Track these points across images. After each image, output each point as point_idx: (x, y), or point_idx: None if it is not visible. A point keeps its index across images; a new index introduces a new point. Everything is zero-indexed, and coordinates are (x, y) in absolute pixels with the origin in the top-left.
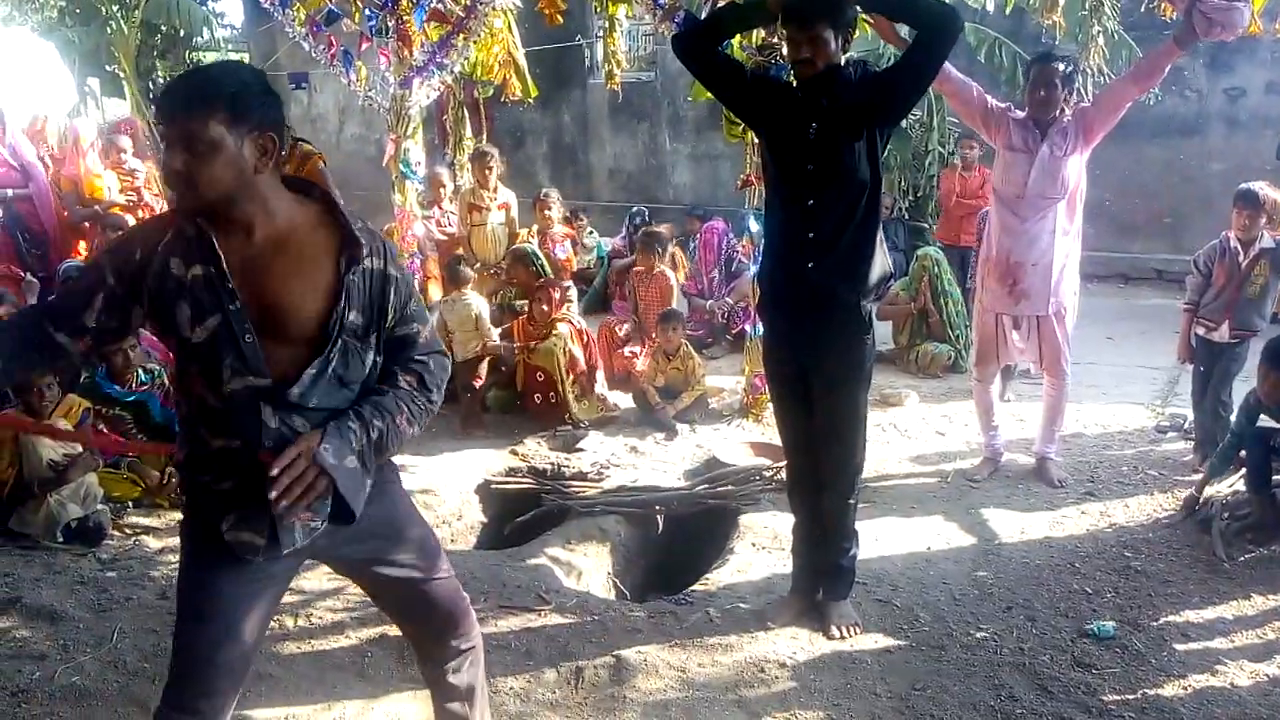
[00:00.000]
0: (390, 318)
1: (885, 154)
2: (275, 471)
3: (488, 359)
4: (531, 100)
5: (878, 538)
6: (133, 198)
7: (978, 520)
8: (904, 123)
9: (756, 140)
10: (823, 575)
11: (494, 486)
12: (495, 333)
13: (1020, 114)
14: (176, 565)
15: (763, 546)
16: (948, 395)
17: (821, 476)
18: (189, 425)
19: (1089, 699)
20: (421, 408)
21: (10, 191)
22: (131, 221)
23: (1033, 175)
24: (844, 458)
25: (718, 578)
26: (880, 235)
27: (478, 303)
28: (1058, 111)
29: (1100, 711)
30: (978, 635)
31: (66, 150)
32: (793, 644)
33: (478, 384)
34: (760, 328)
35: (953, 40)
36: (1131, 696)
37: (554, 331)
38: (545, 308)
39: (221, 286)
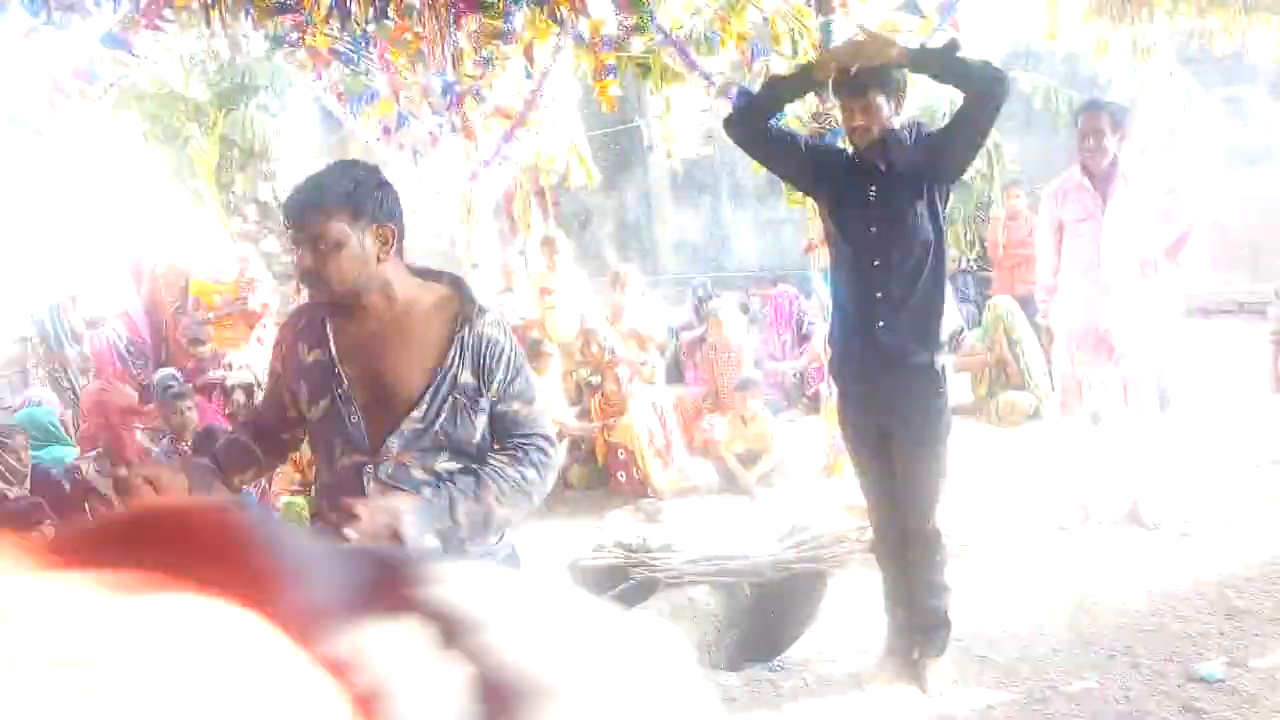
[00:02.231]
0: (494, 389)
1: (948, 208)
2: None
3: (568, 437)
4: (592, 184)
5: (971, 592)
6: (239, 306)
7: (1072, 569)
8: (964, 175)
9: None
10: (917, 633)
11: (582, 563)
12: (573, 411)
13: (1067, 183)
14: None
15: (855, 608)
16: (1031, 443)
17: (908, 534)
18: (315, 502)
19: None
20: (513, 484)
21: (108, 309)
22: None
23: (1103, 240)
24: (928, 515)
25: (811, 642)
26: (949, 289)
27: (540, 384)
28: (1111, 160)
29: None
30: (1081, 686)
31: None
32: (892, 705)
33: None
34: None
35: (999, 105)
36: None
37: (630, 407)
38: (614, 386)
39: (330, 371)
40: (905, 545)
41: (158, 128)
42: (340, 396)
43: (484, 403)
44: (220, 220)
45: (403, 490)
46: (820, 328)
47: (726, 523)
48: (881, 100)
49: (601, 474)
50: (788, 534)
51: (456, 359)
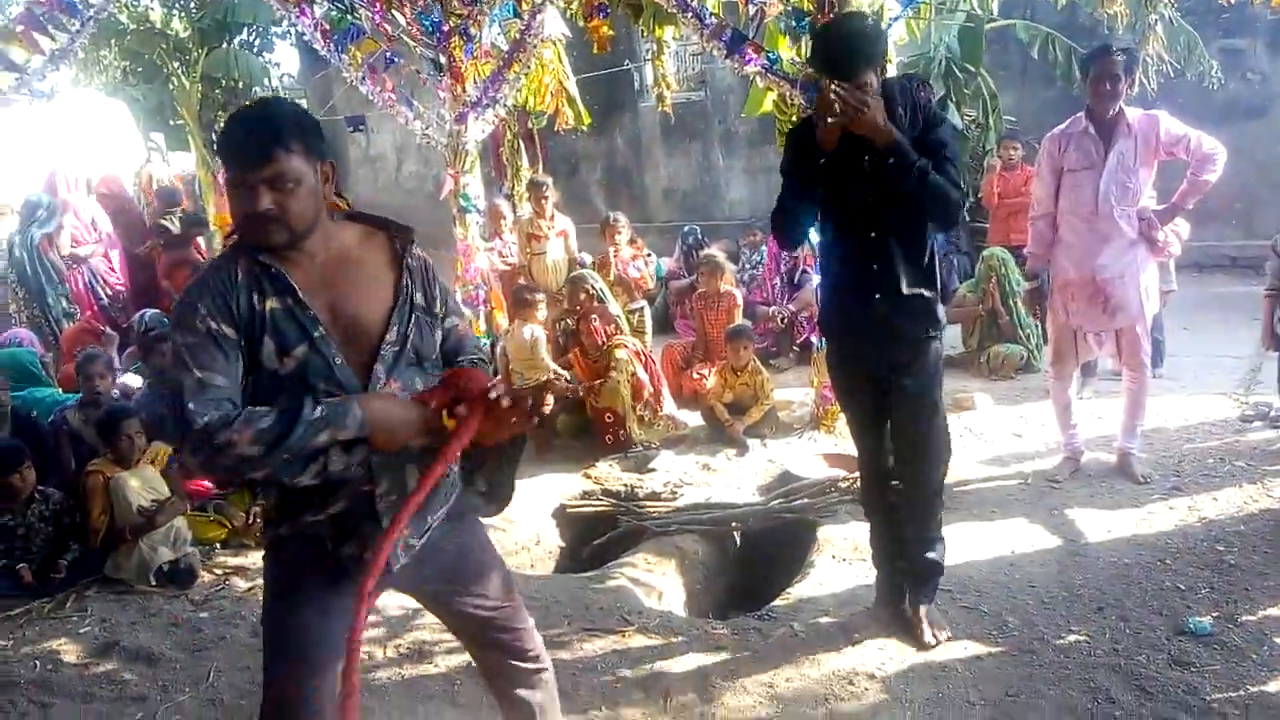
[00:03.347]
0: (438, 305)
1: None
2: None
3: (553, 392)
4: (585, 127)
5: (960, 543)
6: None
7: (1061, 521)
8: (960, 124)
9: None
10: (908, 579)
11: (569, 510)
12: (559, 361)
13: (1072, 129)
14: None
15: (843, 558)
16: (1022, 396)
17: (907, 480)
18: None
19: (1190, 698)
20: None
21: (88, 249)
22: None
23: (1102, 189)
24: (933, 458)
25: (799, 592)
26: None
27: (533, 331)
28: (1118, 107)
29: (1203, 711)
30: (1069, 638)
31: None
32: (880, 655)
33: (546, 409)
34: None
35: (950, 223)
36: (1235, 694)
37: (613, 360)
38: (596, 339)
39: (303, 315)
40: (899, 495)
41: (138, 65)
42: (318, 339)
43: (436, 319)
44: (203, 160)
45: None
46: (813, 277)
47: (714, 472)
48: (871, 77)
49: (588, 424)
50: (775, 484)
51: (409, 281)
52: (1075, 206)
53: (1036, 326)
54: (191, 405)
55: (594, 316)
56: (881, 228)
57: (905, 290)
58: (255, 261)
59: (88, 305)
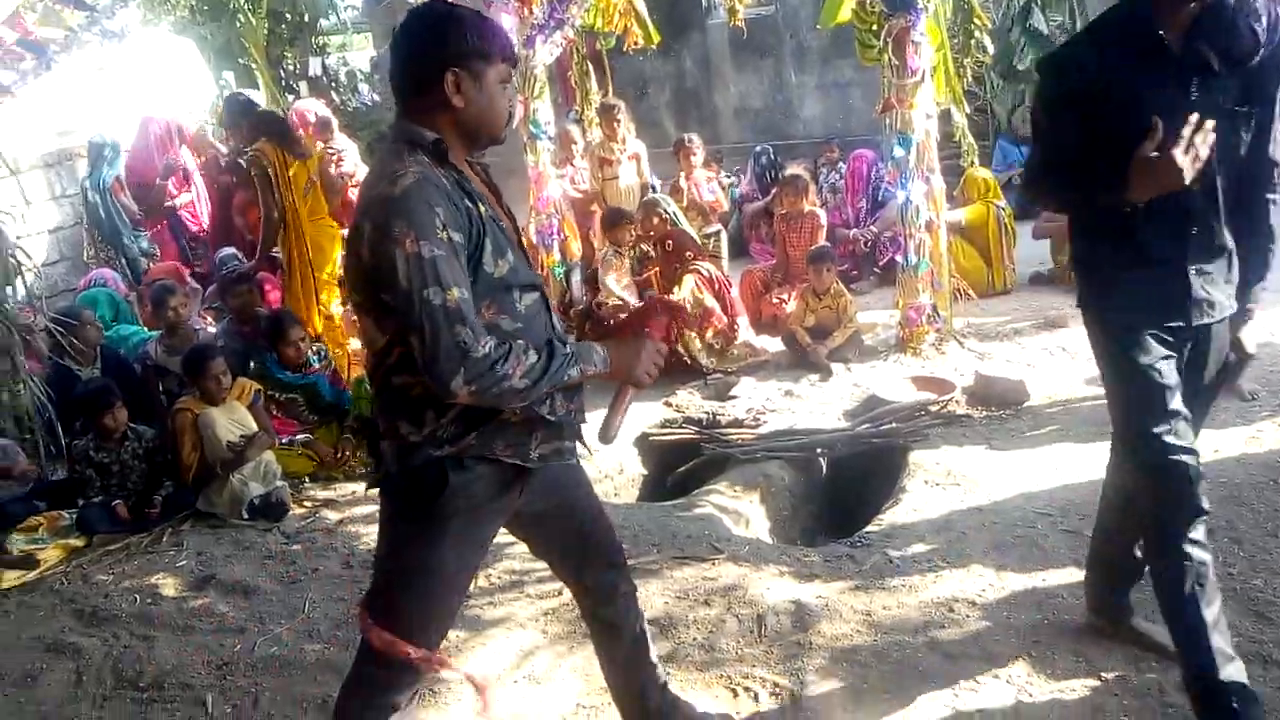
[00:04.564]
0: None
1: (1025, 62)
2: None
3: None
4: (655, 46)
5: (1058, 465)
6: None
7: None
8: (1045, 29)
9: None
10: (1120, 578)
11: (652, 439)
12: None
13: None
14: (357, 535)
15: (936, 483)
16: None
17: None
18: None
19: None
20: None
21: (177, 200)
22: None
23: None
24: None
25: (892, 518)
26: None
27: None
28: None
29: None
30: None
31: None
32: (980, 581)
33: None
34: (917, 260)
35: None
36: None
37: (677, 285)
38: (676, 265)
39: (498, 219)
40: None
41: (205, 2)
42: (516, 245)
43: None
44: (273, 98)
45: None
46: (896, 194)
47: (798, 398)
48: None
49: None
50: (862, 409)
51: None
52: None
53: None
54: (470, 332)
55: (670, 242)
56: (1211, 187)
57: (1229, 250)
58: (450, 168)
59: (173, 251)
